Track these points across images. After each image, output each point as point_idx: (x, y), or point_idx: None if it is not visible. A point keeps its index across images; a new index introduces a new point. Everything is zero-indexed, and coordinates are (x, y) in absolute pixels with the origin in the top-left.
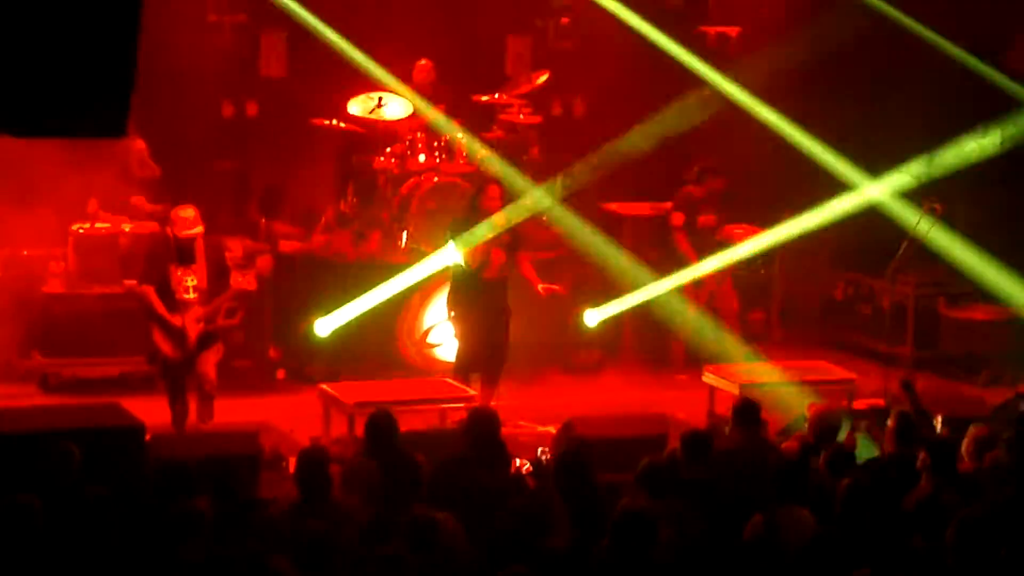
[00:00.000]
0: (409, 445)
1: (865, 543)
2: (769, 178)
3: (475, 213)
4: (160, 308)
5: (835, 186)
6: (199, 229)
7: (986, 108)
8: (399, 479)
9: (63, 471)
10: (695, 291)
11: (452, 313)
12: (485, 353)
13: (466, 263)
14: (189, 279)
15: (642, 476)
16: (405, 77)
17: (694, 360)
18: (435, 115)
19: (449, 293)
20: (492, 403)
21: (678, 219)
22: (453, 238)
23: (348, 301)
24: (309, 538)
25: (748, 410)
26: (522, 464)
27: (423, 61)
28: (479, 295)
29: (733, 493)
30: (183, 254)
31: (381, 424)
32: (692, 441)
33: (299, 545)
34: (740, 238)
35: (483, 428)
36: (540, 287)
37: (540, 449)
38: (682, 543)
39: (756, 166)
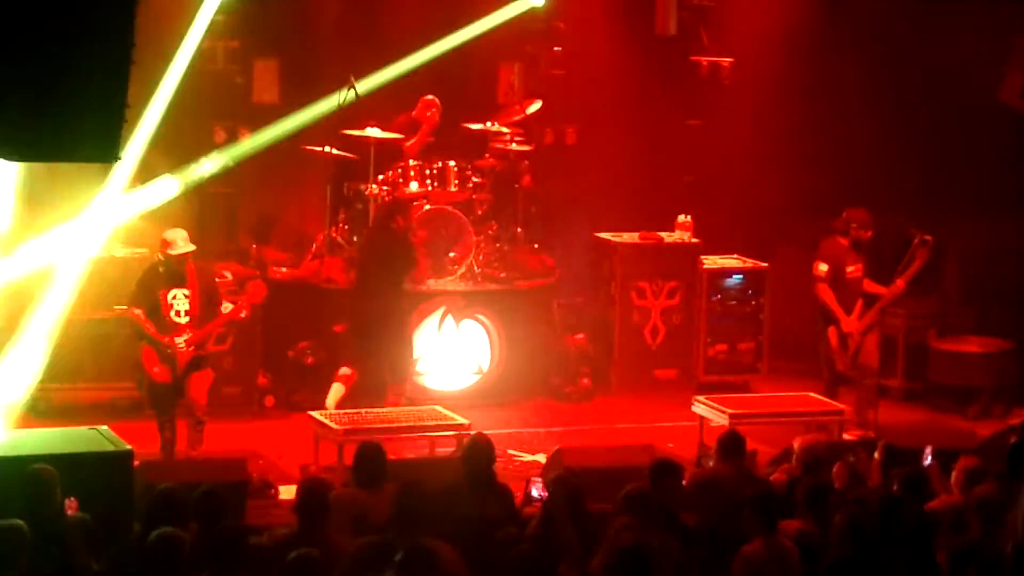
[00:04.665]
0: (399, 474)
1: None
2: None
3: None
4: (150, 330)
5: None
6: (190, 248)
7: None
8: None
9: (42, 495)
10: (843, 345)
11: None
12: None
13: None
14: (179, 303)
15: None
16: (403, 106)
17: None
18: None
19: (366, 324)
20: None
21: (820, 269)
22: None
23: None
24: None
25: (732, 442)
26: (530, 489)
27: (430, 97)
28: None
29: (715, 524)
30: (174, 276)
31: (370, 454)
32: (659, 470)
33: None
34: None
35: (479, 458)
36: None
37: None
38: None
39: None
